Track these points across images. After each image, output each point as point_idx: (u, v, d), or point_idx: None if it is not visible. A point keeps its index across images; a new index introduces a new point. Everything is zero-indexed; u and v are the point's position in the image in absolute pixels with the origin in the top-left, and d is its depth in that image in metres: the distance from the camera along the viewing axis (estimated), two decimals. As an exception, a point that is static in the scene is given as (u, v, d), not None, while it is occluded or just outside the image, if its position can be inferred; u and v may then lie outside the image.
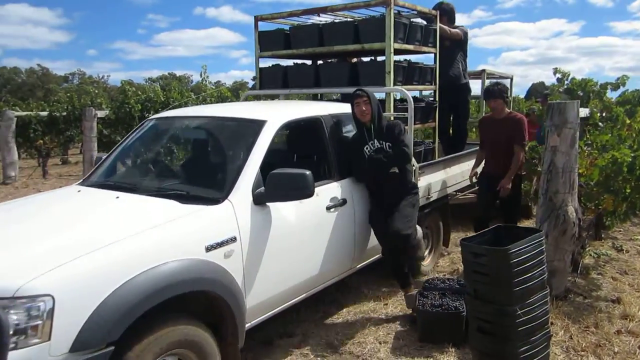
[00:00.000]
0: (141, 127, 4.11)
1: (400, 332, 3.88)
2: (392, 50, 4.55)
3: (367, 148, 3.93)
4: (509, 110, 5.04)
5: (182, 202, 3.06)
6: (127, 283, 2.43)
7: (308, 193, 3.21)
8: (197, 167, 3.73)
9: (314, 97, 5.80)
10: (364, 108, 3.89)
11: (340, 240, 3.87)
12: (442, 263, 5.53)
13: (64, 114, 15.48)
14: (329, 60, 5.52)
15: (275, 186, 3.16)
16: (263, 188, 3.20)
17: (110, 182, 3.63)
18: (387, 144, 3.91)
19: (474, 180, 5.30)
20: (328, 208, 3.73)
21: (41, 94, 53.12)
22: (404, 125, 4.06)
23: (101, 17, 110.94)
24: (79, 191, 3.52)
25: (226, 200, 3.08)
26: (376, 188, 4.02)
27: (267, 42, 5.41)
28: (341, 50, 4.93)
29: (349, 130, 4.21)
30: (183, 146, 4.07)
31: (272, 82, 5.42)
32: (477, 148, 5.44)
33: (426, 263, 5.27)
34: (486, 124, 5.17)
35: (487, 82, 7.48)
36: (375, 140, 3.92)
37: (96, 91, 17.22)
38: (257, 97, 5.79)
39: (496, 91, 4.91)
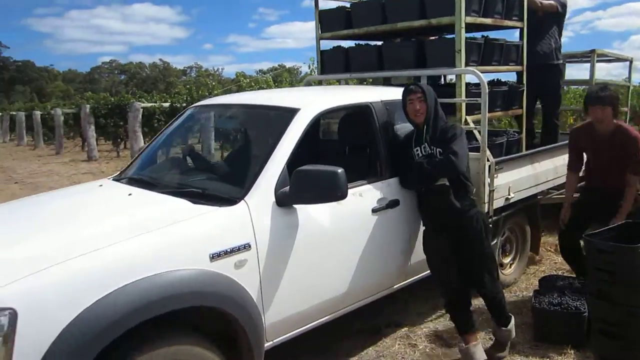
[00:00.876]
0: (181, 115, 3.84)
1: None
2: (464, 25, 3.85)
3: (417, 151, 3.28)
4: (617, 122, 3.78)
5: (194, 202, 2.72)
6: (106, 297, 2.12)
7: (339, 195, 2.71)
8: (222, 162, 3.38)
9: (385, 82, 5.20)
10: (417, 107, 3.22)
11: (390, 248, 3.32)
12: (560, 260, 4.91)
13: (184, 104, 16.34)
14: (396, 40, 4.89)
15: (301, 186, 2.71)
16: (288, 188, 2.76)
17: (137, 176, 3.38)
18: (438, 150, 3.21)
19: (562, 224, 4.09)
20: (375, 210, 3.19)
21: (163, 86, 57.40)
22: (462, 129, 3.30)
23: (216, 13, 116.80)
24: (100, 186, 3.31)
25: (242, 201, 2.68)
26: (423, 200, 3.36)
27: (327, 22, 4.92)
28: (406, 28, 4.32)
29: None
30: (215, 137, 3.73)
31: (333, 66, 4.94)
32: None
33: (508, 272, 4.53)
34: (586, 135, 3.91)
35: (598, 65, 6.30)
36: (427, 145, 3.25)
37: (213, 83, 18.07)
38: (320, 84, 5.34)
39: (606, 97, 3.64)
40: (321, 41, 5.14)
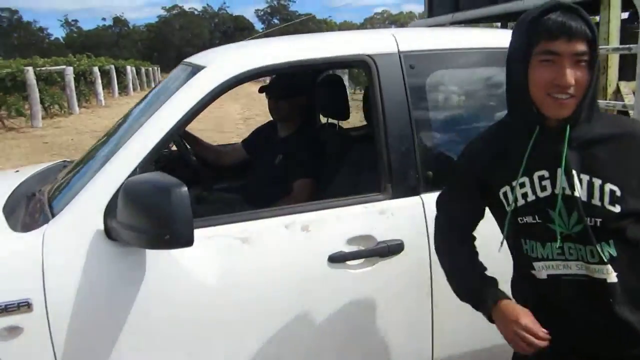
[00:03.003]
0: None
1: None
2: None
3: (522, 186, 1.20)
4: None
5: (7, 218, 1.76)
6: None
7: (166, 238, 1.39)
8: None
9: (504, 26, 3.33)
10: (568, 78, 1.07)
11: (369, 335, 1.79)
12: None
13: None
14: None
15: (123, 211, 1.48)
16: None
17: (64, 166, 2.48)
18: (599, 183, 1.13)
19: None
20: (335, 259, 1.70)
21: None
22: None
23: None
24: (16, 171, 2.57)
25: (39, 228, 1.59)
26: (539, 293, 1.28)
27: None
28: None
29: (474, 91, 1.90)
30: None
31: (441, 5, 3.33)
32: None
33: None
34: None
35: None
36: (575, 173, 1.13)
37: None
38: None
39: None
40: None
